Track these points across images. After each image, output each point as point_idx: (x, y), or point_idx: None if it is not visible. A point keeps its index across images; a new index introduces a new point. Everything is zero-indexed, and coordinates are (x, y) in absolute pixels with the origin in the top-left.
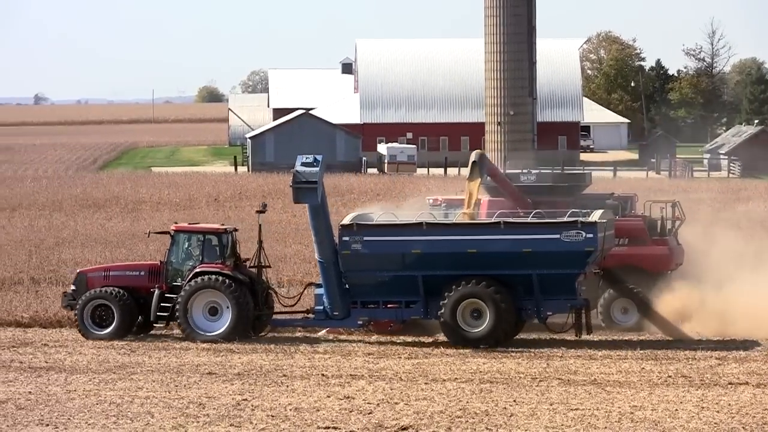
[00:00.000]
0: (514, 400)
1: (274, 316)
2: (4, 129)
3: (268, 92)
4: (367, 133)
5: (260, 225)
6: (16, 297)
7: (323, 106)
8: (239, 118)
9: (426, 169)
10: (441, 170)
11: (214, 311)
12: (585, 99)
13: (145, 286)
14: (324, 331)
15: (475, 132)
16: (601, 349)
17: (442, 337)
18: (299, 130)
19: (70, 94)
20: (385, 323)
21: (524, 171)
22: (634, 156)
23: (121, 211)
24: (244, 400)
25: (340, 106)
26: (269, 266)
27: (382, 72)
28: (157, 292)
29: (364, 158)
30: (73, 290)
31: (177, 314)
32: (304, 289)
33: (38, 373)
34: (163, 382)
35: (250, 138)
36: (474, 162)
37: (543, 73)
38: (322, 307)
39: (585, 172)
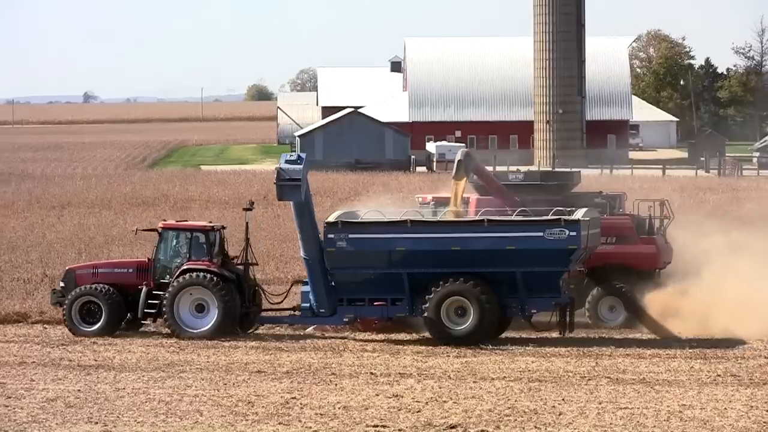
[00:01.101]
0: (563, 399)
1: (263, 314)
2: (54, 127)
3: (317, 90)
4: (415, 132)
5: (247, 223)
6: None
7: (372, 105)
8: (288, 116)
9: None
10: (490, 169)
11: (200, 308)
12: (634, 97)
13: (133, 283)
14: (311, 328)
15: (523, 130)
16: (650, 348)
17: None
18: (348, 128)
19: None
20: (371, 320)
21: (512, 170)
22: (683, 154)
23: (171, 210)
24: (292, 398)
25: (389, 105)
26: (256, 263)
27: (431, 70)
28: (144, 289)
29: (412, 156)
30: (62, 287)
31: (164, 311)
32: (291, 286)
33: (87, 371)
34: (212, 380)
35: (298, 136)
36: (459, 161)
37: (592, 71)
38: (308, 305)
39: (573, 171)
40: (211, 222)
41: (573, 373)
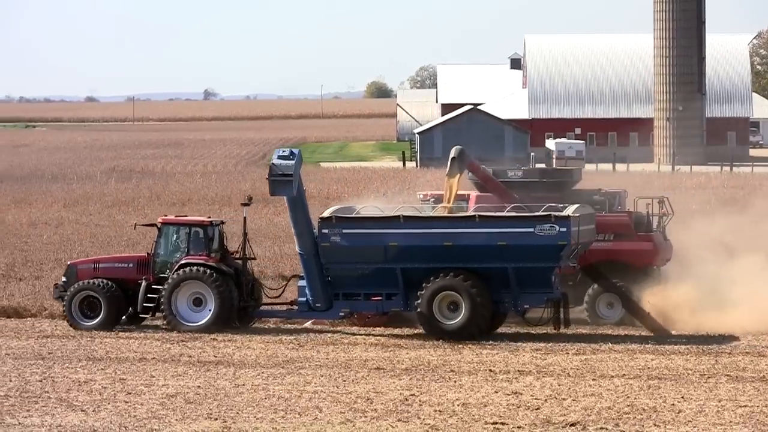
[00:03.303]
0: (682, 397)
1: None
2: (175, 124)
3: (436, 88)
4: (535, 129)
5: (245, 218)
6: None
7: (491, 102)
8: (407, 113)
9: (594, 164)
10: (609, 166)
11: (198, 302)
12: (754, 95)
13: (133, 277)
14: (309, 323)
15: (643, 128)
16: None
17: (602, 331)
18: (467, 125)
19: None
20: (366, 315)
21: (511, 167)
22: None
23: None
24: (411, 395)
25: (509, 102)
26: (254, 258)
27: (551, 67)
28: (144, 283)
29: (532, 153)
30: (63, 282)
31: (162, 305)
32: (288, 280)
33: (207, 367)
34: (331, 376)
35: (418, 133)
36: (453, 158)
37: (712, 68)
38: (304, 299)
39: (573, 168)
40: (210, 217)
41: (692, 371)
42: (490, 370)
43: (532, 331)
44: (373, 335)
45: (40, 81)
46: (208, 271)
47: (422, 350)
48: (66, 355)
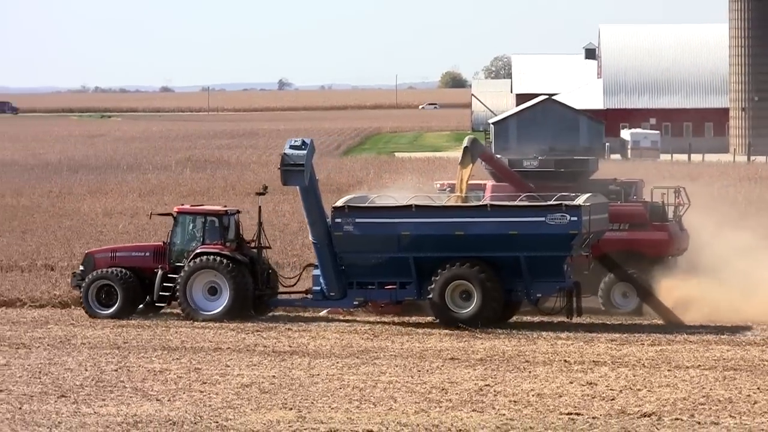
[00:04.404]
0: (758, 388)
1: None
2: (249, 114)
3: (511, 78)
4: (610, 119)
5: (260, 207)
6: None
7: (566, 92)
8: (482, 103)
9: (669, 155)
10: (684, 156)
11: (213, 291)
12: None
13: (149, 266)
14: (325, 311)
15: (719, 118)
16: None
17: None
18: (542, 115)
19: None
20: (380, 303)
21: (527, 156)
22: None
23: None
24: (486, 385)
25: (583, 92)
26: (269, 247)
27: (626, 57)
28: (159, 272)
29: (607, 144)
30: (81, 270)
31: (177, 294)
32: (303, 269)
33: (282, 357)
34: (405, 366)
35: (493, 123)
36: (466, 147)
37: None
38: (319, 288)
39: (590, 158)
40: (225, 206)
41: None
42: (565, 361)
43: (608, 322)
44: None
45: (116, 71)
46: (223, 260)
47: (497, 340)
48: (141, 345)
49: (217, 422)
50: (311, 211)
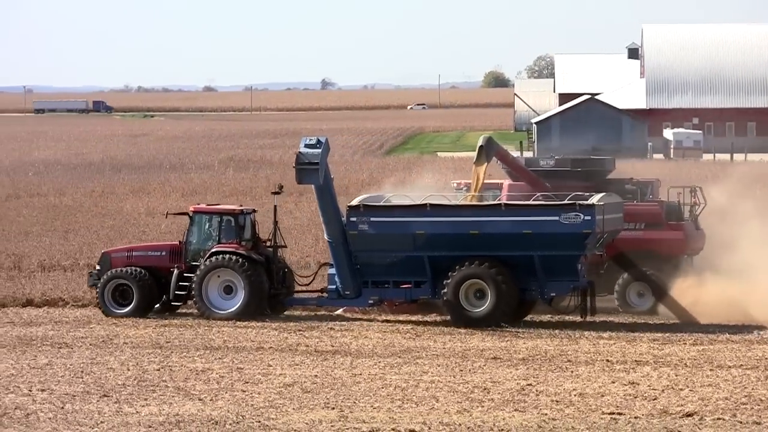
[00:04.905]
0: None
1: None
2: (292, 114)
3: (554, 77)
4: (653, 118)
5: (275, 206)
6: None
7: (609, 92)
8: (525, 103)
9: (712, 154)
10: (727, 156)
11: (228, 290)
12: None
13: (166, 266)
14: (341, 310)
15: (762, 118)
16: None
17: (718, 321)
18: (585, 115)
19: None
20: (393, 302)
21: (544, 156)
22: None
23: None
24: (528, 385)
25: (626, 92)
26: (285, 246)
27: (669, 57)
28: (176, 271)
29: (649, 143)
30: (98, 270)
31: (193, 293)
32: (319, 268)
33: (324, 356)
34: (447, 366)
35: (535, 123)
36: (481, 146)
37: None
38: (334, 287)
39: (607, 158)
40: (241, 205)
41: None
42: (607, 360)
43: (650, 322)
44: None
45: (159, 71)
46: (239, 259)
47: (539, 340)
48: (183, 344)
49: (259, 422)
50: (326, 209)
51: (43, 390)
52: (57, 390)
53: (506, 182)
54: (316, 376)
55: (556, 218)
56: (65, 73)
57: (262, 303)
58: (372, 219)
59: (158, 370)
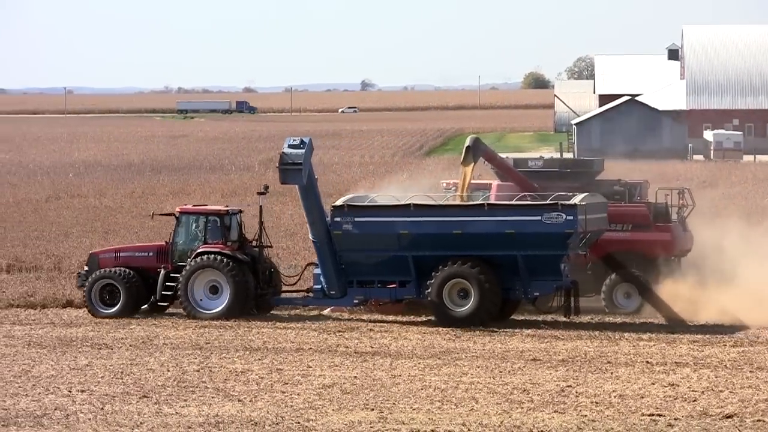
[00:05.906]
0: None
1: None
2: (332, 115)
3: (593, 78)
4: (693, 120)
5: (260, 207)
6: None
7: (649, 93)
8: (565, 104)
9: (752, 155)
10: (767, 157)
11: (214, 290)
12: None
13: (153, 266)
14: (329, 310)
15: None
16: None
17: (762, 323)
18: (625, 116)
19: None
20: (379, 302)
21: (533, 156)
22: None
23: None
24: (568, 386)
25: (666, 93)
26: (270, 246)
27: (709, 58)
28: (162, 272)
29: (690, 145)
30: (86, 271)
31: (179, 292)
32: (305, 268)
33: (364, 357)
34: (487, 367)
35: (575, 124)
36: (468, 147)
37: None
38: (319, 287)
39: (595, 159)
40: (227, 206)
41: None
42: (647, 362)
43: (689, 323)
44: (528, 326)
45: (199, 72)
46: (224, 259)
47: (579, 341)
48: (223, 345)
49: (298, 423)
50: (311, 210)
51: (83, 391)
52: (97, 391)
53: (495, 182)
54: (355, 377)
55: (539, 218)
56: (105, 75)
57: (248, 303)
58: (356, 219)
59: (198, 371)
